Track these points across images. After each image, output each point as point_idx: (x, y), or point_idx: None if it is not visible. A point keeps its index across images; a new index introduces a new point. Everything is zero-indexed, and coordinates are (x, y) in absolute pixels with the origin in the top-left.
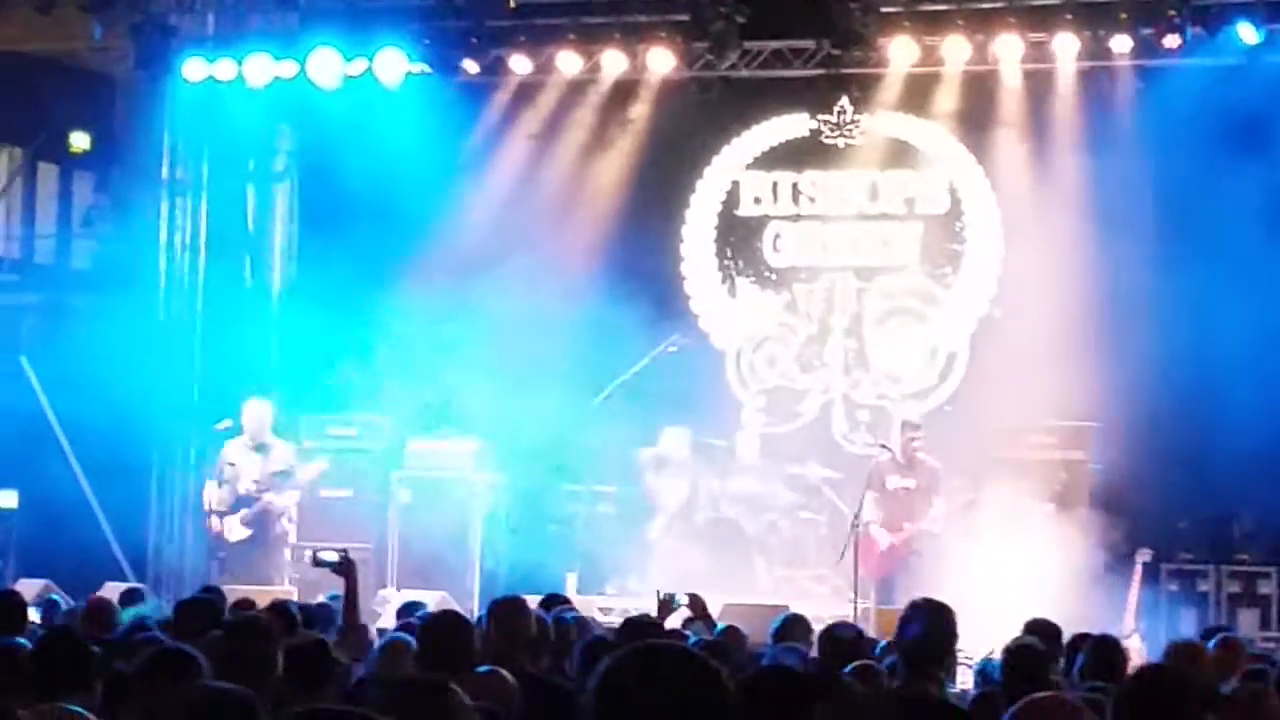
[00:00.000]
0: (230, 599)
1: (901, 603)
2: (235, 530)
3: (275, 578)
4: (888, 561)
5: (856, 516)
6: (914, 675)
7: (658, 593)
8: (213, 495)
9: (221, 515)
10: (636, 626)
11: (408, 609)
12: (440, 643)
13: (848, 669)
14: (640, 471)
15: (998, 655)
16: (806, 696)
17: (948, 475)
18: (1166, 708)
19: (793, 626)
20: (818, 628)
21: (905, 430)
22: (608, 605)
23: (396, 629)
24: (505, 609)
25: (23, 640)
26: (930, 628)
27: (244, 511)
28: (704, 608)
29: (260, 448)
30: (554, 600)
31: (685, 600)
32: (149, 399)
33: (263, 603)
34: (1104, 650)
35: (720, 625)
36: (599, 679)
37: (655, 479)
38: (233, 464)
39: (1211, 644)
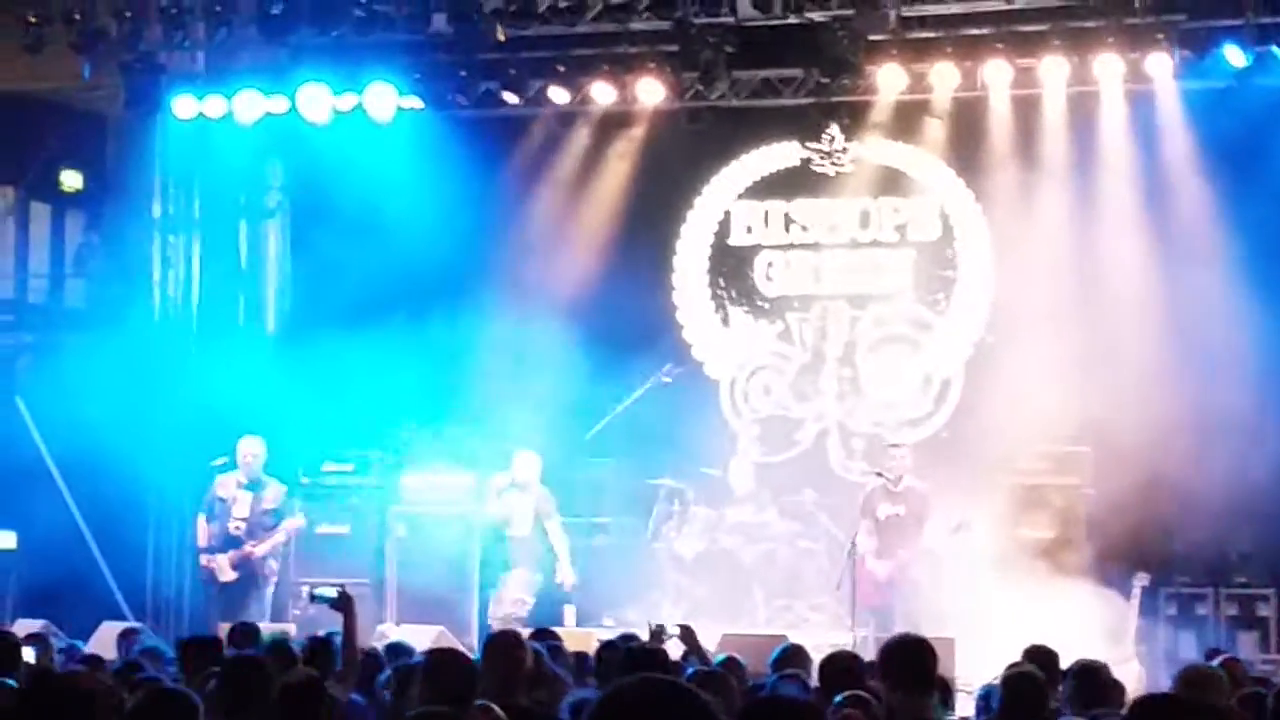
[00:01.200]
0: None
1: (900, 630)
2: (225, 572)
3: (260, 616)
4: (885, 590)
5: (853, 545)
6: (905, 701)
7: (649, 623)
8: (203, 531)
9: (212, 552)
10: (641, 658)
11: (395, 652)
12: (443, 679)
13: (844, 697)
14: (488, 495)
15: (999, 682)
16: None
17: (944, 502)
18: None
19: (792, 657)
20: (817, 657)
21: (890, 452)
22: (608, 638)
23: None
24: (501, 643)
25: None
26: (911, 654)
27: (231, 553)
28: (695, 639)
29: (252, 484)
30: (544, 634)
31: (677, 631)
32: (144, 437)
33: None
34: (1086, 678)
35: (719, 656)
36: (590, 714)
37: (497, 502)
38: (224, 499)
39: (1214, 664)
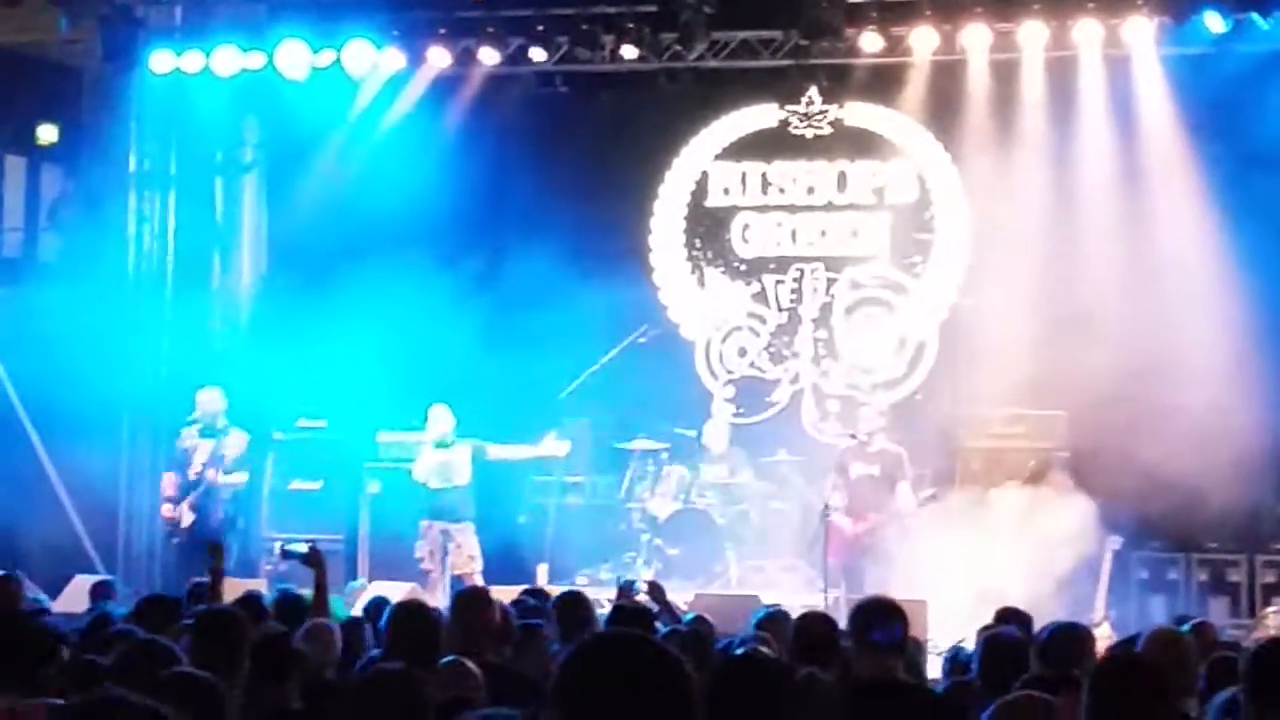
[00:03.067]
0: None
1: (870, 591)
2: (186, 516)
3: (228, 571)
4: (853, 549)
5: (826, 506)
6: (875, 662)
7: (618, 579)
8: (169, 483)
9: (175, 502)
10: (628, 615)
11: (375, 606)
12: (406, 634)
13: (815, 658)
14: (419, 452)
15: (968, 644)
16: (774, 686)
17: (917, 464)
18: (1138, 695)
19: (773, 618)
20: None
21: (859, 413)
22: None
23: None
24: (468, 600)
25: None
26: (881, 616)
27: (191, 496)
28: (663, 595)
29: (213, 433)
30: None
31: (645, 587)
32: (117, 392)
33: (235, 594)
34: (1063, 640)
35: (689, 614)
36: (560, 669)
37: (432, 459)
38: (186, 450)
39: (1185, 629)
